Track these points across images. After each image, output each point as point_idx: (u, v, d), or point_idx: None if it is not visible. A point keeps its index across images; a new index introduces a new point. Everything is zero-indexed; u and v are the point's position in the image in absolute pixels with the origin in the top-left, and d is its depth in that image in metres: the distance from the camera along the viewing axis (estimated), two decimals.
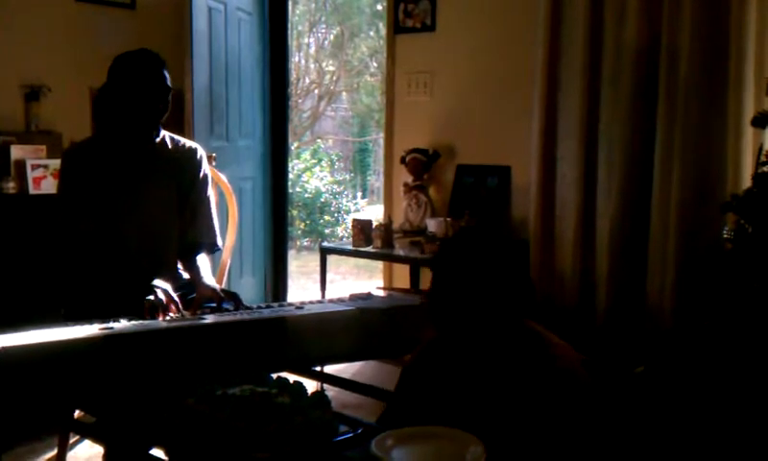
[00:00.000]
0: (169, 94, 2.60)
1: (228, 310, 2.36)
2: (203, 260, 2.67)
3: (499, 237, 1.88)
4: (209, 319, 2.17)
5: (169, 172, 2.69)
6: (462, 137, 4.30)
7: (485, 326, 1.76)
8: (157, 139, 2.70)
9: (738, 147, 3.22)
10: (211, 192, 2.81)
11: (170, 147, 2.72)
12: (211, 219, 2.78)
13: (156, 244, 2.65)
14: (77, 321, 2.08)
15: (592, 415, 1.75)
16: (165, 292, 2.37)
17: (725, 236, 3.06)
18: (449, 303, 1.77)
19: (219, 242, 2.82)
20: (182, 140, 2.79)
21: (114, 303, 2.36)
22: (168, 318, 2.28)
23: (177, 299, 2.39)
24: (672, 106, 3.34)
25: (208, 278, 2.58)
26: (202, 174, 2.77)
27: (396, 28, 4.54)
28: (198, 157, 2.77)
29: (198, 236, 2.73)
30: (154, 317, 2.26)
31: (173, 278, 2.59)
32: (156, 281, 2.41)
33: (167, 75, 2.59)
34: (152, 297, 2.33)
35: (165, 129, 2.75)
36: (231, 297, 2.48)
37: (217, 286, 2.54)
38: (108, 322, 2.04)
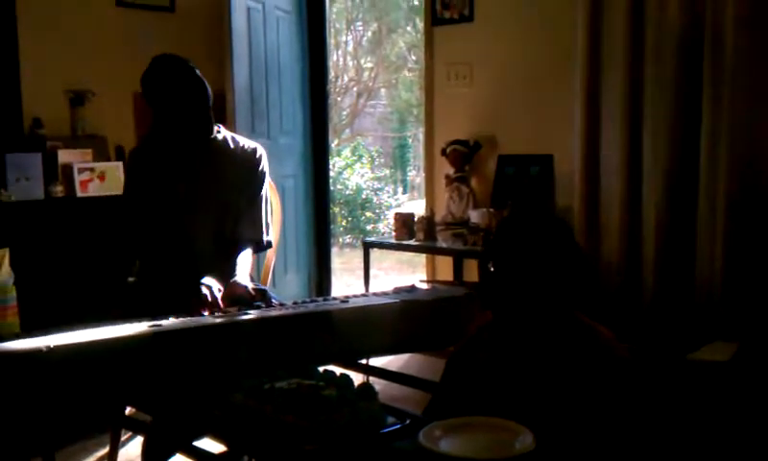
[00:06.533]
0: (196, 89, 2.61)
1: (259, 308, 2.34)
2: (243, 258, 2.68)
3: (553, 221, 1.84)
4: (254, 314, 2.18)
5: (228, 170, 2.73)
6: (503, 127, 4.27)
7: (540, 310, 1.73)
8: (219, 137, 2.75)
9: None
10: (266, 190, 2.83)
11: (231, 146, 2.77)
12: (260, 217, 2.79)
13: (214, 239, 2.69)
14: (131, 318, 2.10)
15: (646, 403, 1.73)
16: (210, 290, 2.41)
17: None
18: (505, 286, 1.75)
19: (266, 238, 2.81)
20: (243, 141, 2.82)
21: (174, 298, 2.39)
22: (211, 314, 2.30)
23: (219, 298, 2.42)
24: (717, 88, 3.26)
25: (242, 276, 2.59)
26: (258, 172, 2.79)
27: (433, 20, 4.52)
28: (257, 156, 2.80)
29: (241, 233, 2.74)
30: (200, 314, 2.29)
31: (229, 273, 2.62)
32: (205, 279, 2.45)
33: (195, 72, 2.61)
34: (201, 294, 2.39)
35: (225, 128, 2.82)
36: (261, 294, 2.50)
37: (250, 284, 2.55)
38: (158, 319, 2.06)
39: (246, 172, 2.77)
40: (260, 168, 2.80)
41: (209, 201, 2.69)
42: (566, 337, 1.74)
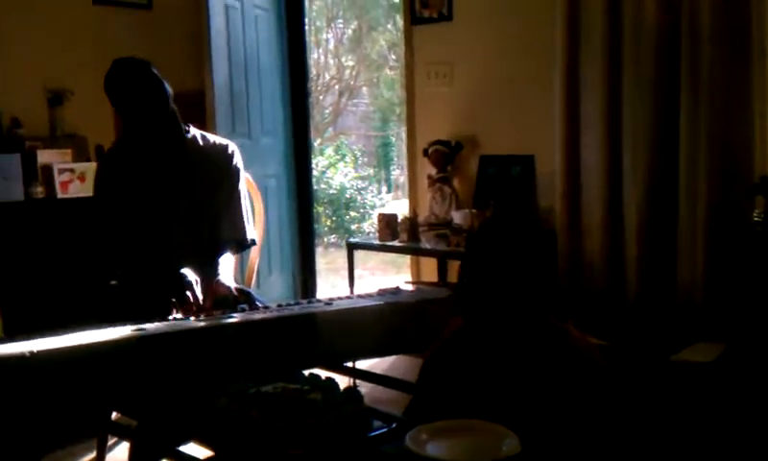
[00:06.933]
0: (151, 89, 2.54)
1: (242, 311, 2.31)
2: (226, 258, 2.67)
3: (531, 226, 1.86)
4: (239, 317, 2.17)
5: (199, 169, 2.70)
6: (484, 127, 4.28)
7: (514, 315, 1.75)
8: (189, 136, 2.72)
9: (765, 128, 3.17)
10: (243, 187, 2.80)
11: (201, 144, 2.74)
12: (239, 215, 2.76)
13: (193, 240, 2.67)
14: (113, 322, 2.09)
15: (615, 403, 1.75)
16: (191, 289, 2.39)
17: (755, 219, 3.03)
18: (480, 291, 1.76)
19: (250, 236, 2.79)
20: (214, 138, 2.80)
21: (156, 302, 2.38)
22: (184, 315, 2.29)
23: (199, 296, 2.40)
24: (695, 87, 3.28)
25: (226, 276, 2.57)
26: (232, 168, 2.76)
27: (413, 19, 4.52)
28: (229, 152, 2.77)
29: (221, 234, 2.72)
30: (178, 312, 2.29)
31: (208, 272, 2.60)
32: (185, 271, 2.44)
33: (151, 71, 2.55)
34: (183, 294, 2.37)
35: (196, 127, 2.78)
36: (245, 296, 2.48)
37: (233, 285, 2.53)
38: (142, 323, 2.05)
39: (219, 169, 2.74)
40: (233, 163, 2.77)
41: (185, 201, 2.67)
42: (539, 340, 1.76)
